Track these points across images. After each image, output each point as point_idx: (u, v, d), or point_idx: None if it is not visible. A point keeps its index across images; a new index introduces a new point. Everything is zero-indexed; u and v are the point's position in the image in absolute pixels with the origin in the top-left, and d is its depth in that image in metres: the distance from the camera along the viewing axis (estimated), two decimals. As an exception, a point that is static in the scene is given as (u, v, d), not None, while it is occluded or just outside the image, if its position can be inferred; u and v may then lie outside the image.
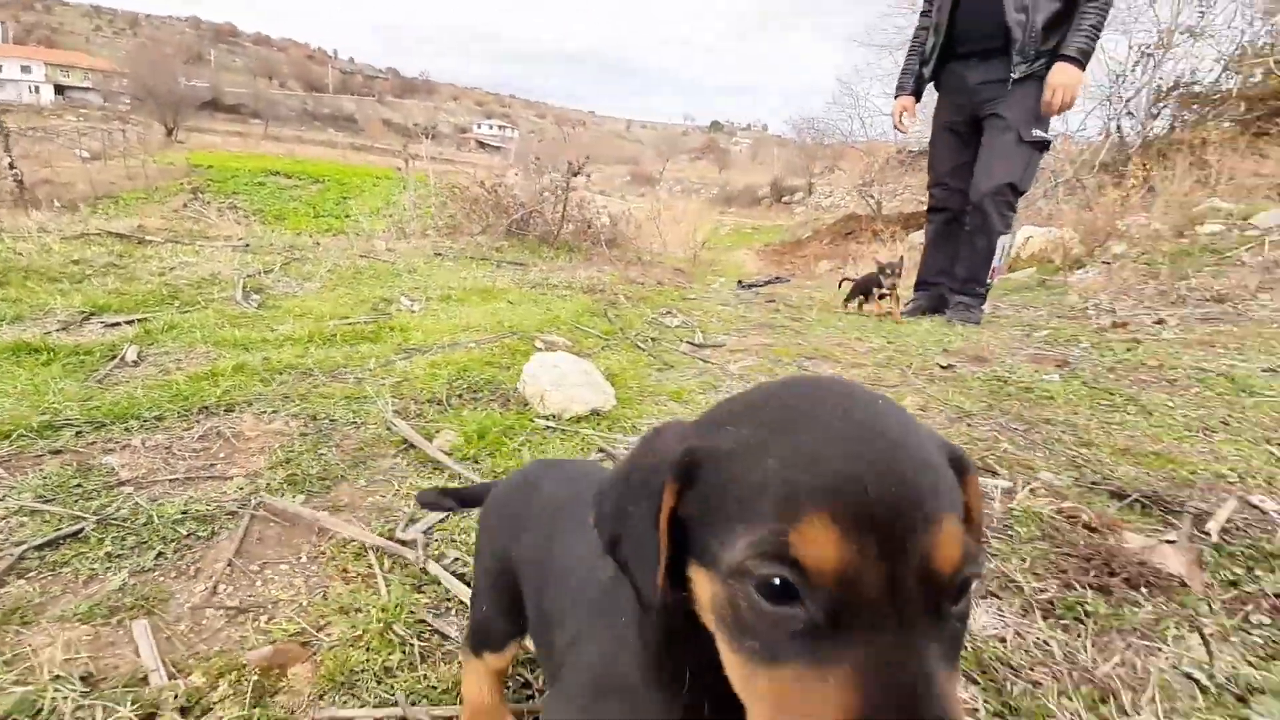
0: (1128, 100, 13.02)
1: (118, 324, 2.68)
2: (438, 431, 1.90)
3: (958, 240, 4.80)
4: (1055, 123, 4.30)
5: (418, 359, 2.45)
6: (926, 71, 4.51)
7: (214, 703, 0.93)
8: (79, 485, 1.43)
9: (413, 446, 1.80)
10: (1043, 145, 4.24)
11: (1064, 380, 3.07)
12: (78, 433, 1.65)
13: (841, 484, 0.40)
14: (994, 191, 4.24)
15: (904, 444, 0.43)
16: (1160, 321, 4.80)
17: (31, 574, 1.16)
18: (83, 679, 0.93)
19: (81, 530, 1.27)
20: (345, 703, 0.97)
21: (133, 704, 0.90)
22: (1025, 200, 5.67)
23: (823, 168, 30.60)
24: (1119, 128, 13.16)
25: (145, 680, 0.96)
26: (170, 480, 1.50)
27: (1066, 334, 4.31)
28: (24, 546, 1.20)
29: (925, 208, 5.09)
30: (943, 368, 3.22)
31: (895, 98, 4.76)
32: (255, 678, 0.97)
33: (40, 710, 0.87)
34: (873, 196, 18.38)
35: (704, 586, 0.45)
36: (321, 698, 0.98)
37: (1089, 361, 3.49)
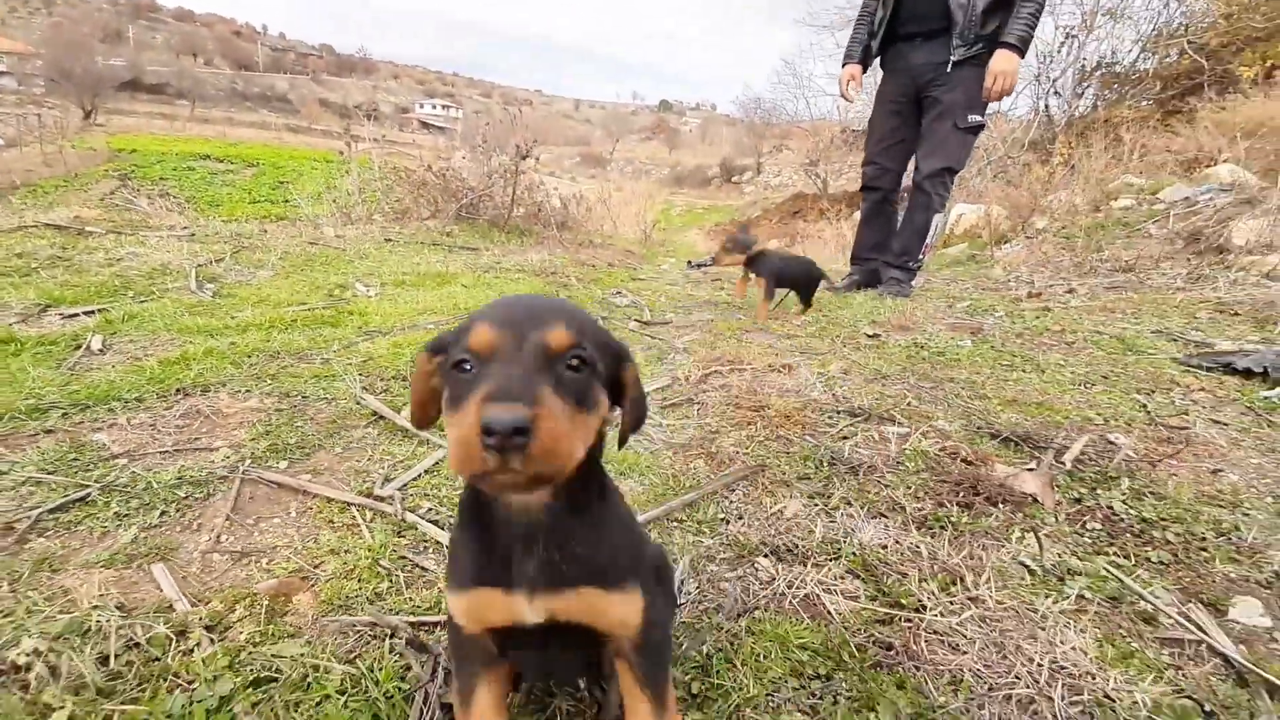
0: (1054, 80, 13.67)
1: (76, 315, 2.73)
2: (405, 404, 2.07)
3: (889, 218, 5.11)
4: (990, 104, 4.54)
5: (379, 340, 2.60)
6: (875, 44, 4.64)
7: (233, 622, 1.11)
8: (75, 459, 1.56)
9: (382, 418, 1.97)
10: (978, 129, 4.49)
11: (974, 345, 3.41)
12: (64, 414, 1.77)
13: (497, 311, 0.73)
14: (933, 174, 4.53)
15: (551, 305, 0.75)
16: (1071, 291, 5.25)
17: (50, 532, 1.31)
18: (118, 608, 1.10)
19: (88, 495, 1.42)
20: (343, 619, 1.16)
21: (165, 624, 1.08)
22: (958, 179, 5.99)
23: (771, 147, 31.04)
24: (1046, 107, 13.82)
25: (171, 609, 1.13)
26: (160, 453, 1.64)
27: (985, 304, 4.69)
28: (39, 510, 1.35)
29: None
30: (869, 337, 3.53)
31: (843, 65, 4.85)
32: (266, 603, 1.16)
33: (88, 630, 1.04)
34: (819, 175, 18.84)
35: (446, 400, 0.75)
36: (323, 618, 1.17)
37: (1000, 328, 3.86)
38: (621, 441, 0.84)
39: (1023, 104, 14.55)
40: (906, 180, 5.03)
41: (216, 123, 53.34)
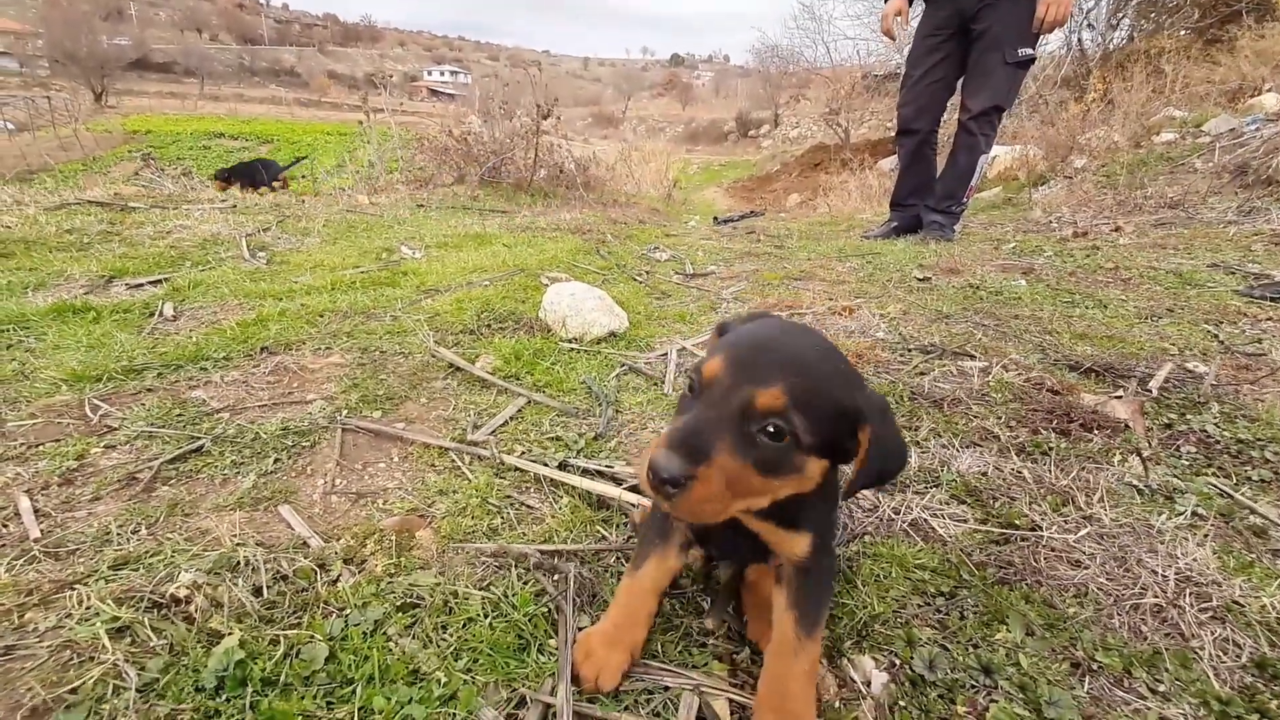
0: (1088, 12, 13.06)
1: (141, 285, 2.78)
2: (477, 356, 2.09)
3: (929, 161, 4.95)
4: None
5: (440, 298, 2.62)
6: None
7: (367, 555, 1.16)
8: (180, 414, 1.61)
9: (459, 369, 2.00)
10: (1028, 63, 4.27)
11: (1030, 285, 3.35)
12: (158, 374, 1.81)
13: (740, 344, 0.77)
14: (980, 114, 4.33)
15: (790, 358, 0.75)
16: (1117, 229, 5.11)
17: (173, 481, 1.36)
18: (259, 545, 1.15)
19: (202, 446, 1.46)
20: (468, 550, 1.20)
21: (306, 558, 1.12)
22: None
23: (788, 97, 30.20)
24: (1079, 40, 13.25)
25: (306, 545, 1.18)
26: (259, 406, 1.68)
27: (1032, 245, 4.58)
28: (159, 460, 1.40)
29: (894, 133, 5.17)
30: (920, 280, 3.48)
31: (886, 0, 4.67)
32: (393, 539, 1.20)
33: (236, 565, 1.09)
34: (840, 125, 18.34)
35: None
36: (445, 551, 1.21)
37: (1052, 268, 3.78)
38: (848, 494, 0.85)
39: (1054, 38, 13.97)
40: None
41: (226, 99, 53.21)
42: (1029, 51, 4.16)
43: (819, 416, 0.73)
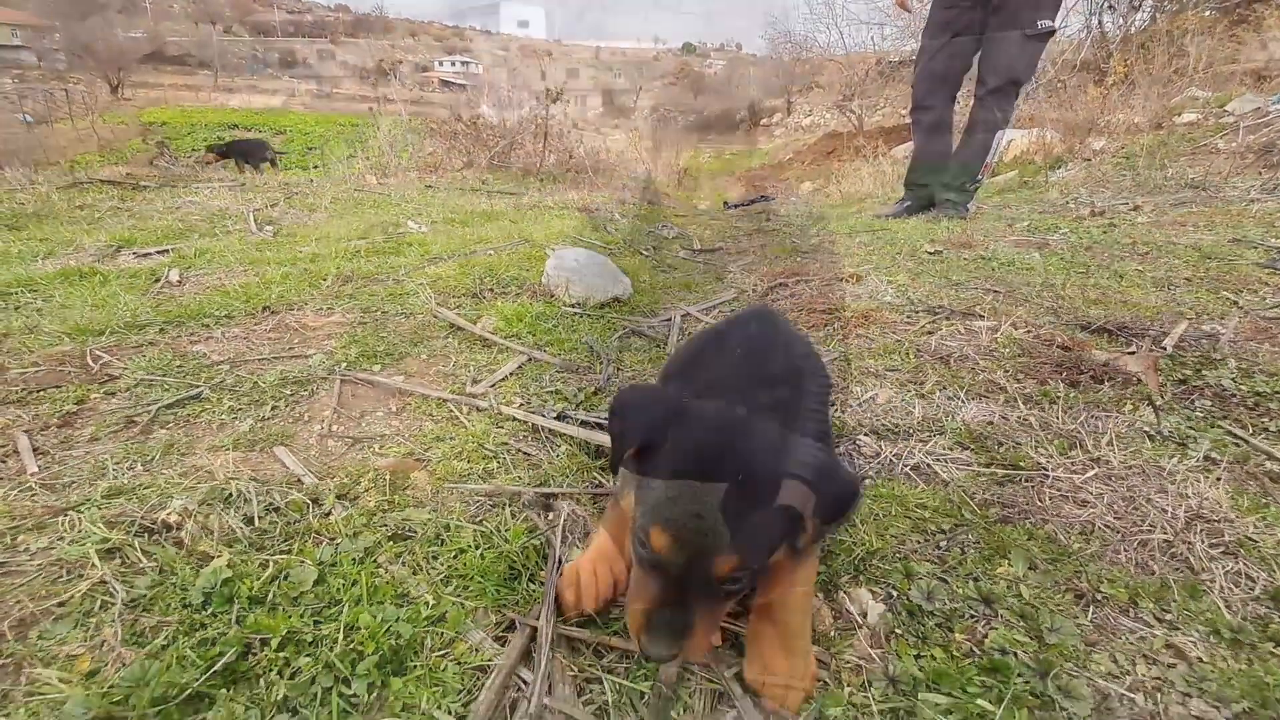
0: (1111, -9, 12.78)
1: (149, 254, 2.80)
2: (479, 317, 2.08)
3: (945, 139, 4.86)
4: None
5: (444, 264, 2.61)
6: None
7: (360, 492, 1.15)
8: (180, 366, 1.61)
9: (460, 329, 1.99)
10: (1048, 35, 4.13)
11: (1044, 257, 3.28)
12: (160, 330, 1.82)
13: (677, 523, 0.74)
14: (997, 89, 4.24)
15: (733, 509, 0.74)
16: (1136, 208, 5.00)
17: (171, 424, 1.36)
18: (252, 480, 1.15)
19: (200, 394, 1.46)
20: (463, 490, 1.19)
21: (299, 493, 1.12)
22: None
23: (801, 85, 29.88)
24: (1100, 23, 12.98)
25: (300, 481, 1.18)
26: (259, 360, 1.68)
27: (1047, 224, 4.49)
28: (157, 405, 1.40)
29: (908, 121, 5.05)
30: (931, 253, 3.42)
31: None
32: (388, 478, 1.19)
33: (229, 496, 1.08)
34: (853, 111, 18.12)
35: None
36: (439, 492, 1.20)
37: (1067, 243, 3.70)
38: (816, 540, 0.87)
39: (1074, 21, 13.69)
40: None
41: (240, 91, 53.46)
42: (1049, 23, 4.05)
43: (770, 540, 0.77)
